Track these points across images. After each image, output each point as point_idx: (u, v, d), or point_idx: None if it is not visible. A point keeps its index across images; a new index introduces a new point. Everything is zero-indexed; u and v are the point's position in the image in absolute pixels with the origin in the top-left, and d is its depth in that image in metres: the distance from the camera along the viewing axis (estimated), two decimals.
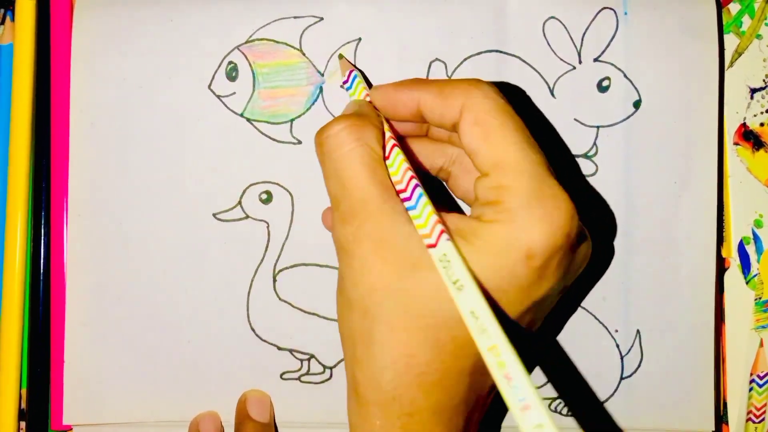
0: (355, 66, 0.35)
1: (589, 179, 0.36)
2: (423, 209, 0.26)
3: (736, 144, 0.37)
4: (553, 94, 0.36)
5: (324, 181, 0.28)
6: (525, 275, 0.25)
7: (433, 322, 0.25)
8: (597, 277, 0.36)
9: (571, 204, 0.25)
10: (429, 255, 0.25)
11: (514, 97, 0.35)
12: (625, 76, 0.36)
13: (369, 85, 0.34)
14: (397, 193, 0.27)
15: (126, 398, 0.36)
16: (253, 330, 0.36)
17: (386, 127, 0.29)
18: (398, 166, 0.27)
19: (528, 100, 0.36)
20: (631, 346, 0.36)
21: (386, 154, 0.28)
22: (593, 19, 0.36)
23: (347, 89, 0.32)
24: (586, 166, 0.36)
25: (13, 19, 0.37)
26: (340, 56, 0.35)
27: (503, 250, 0.24)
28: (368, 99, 0.31)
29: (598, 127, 0.36)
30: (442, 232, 0.25)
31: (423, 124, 0.30)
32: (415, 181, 0.26)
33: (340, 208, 0.27)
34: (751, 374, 0.37)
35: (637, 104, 0.36)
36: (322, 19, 0.35)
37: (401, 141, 0.30)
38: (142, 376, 0.36)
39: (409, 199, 0.26)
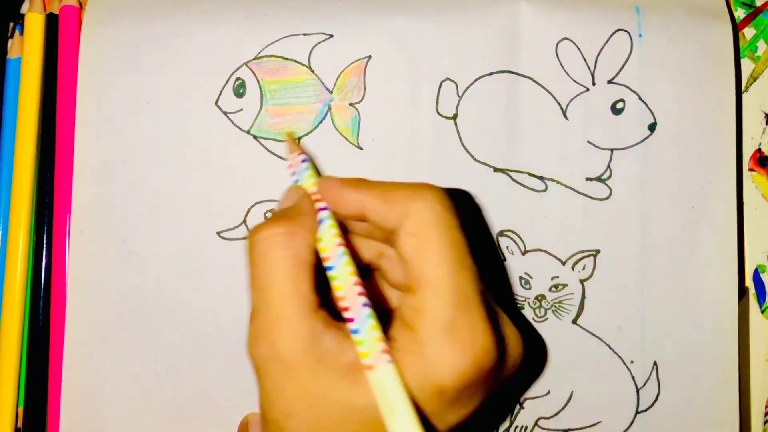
0: (303, 150, 0.33)
1: (602, 203, 0.36)
2: (368, 333, 0.25)
3: (751, 170, 0.37)
4: (566, 116, 0.35)
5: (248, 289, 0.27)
6: (437, 407, 0.24)
7: None
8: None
9: (490, 336, 0.25)
10: (337, 381, 0.24)
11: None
12: (639, 98, 0.35)
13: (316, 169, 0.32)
14: (341, 310, 0.26)
15: (124, 419, 0.35)
16: None
17: (336, 232, 0.27)
18: (345, 279, 0.26)
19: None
20: (648, 379, 0.36)
21: (332, 259, 0.26)
22: (607, 41, 0.35)
23: (294, 180, 0.30)
24: (599, 190, 0.35)
25: (22, 33, 0.37)
26: (288, 134, 0.34)
27: (414, 384, 0.24)
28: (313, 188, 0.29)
29: (612, 150, 0.35)
30: (384, 351, 0.24)
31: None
32: (362, 300, 0.25)
33: (257, 321, 0.26)
34: (767, 407, 0.36)
35: (652, 127, 0.35)
36: (332, 36, 0.35)
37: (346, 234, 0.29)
38: (142, 396, 0.35)
39: (352, 320, 0.25)
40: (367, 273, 0.31)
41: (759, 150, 0.37)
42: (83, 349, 0.35)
